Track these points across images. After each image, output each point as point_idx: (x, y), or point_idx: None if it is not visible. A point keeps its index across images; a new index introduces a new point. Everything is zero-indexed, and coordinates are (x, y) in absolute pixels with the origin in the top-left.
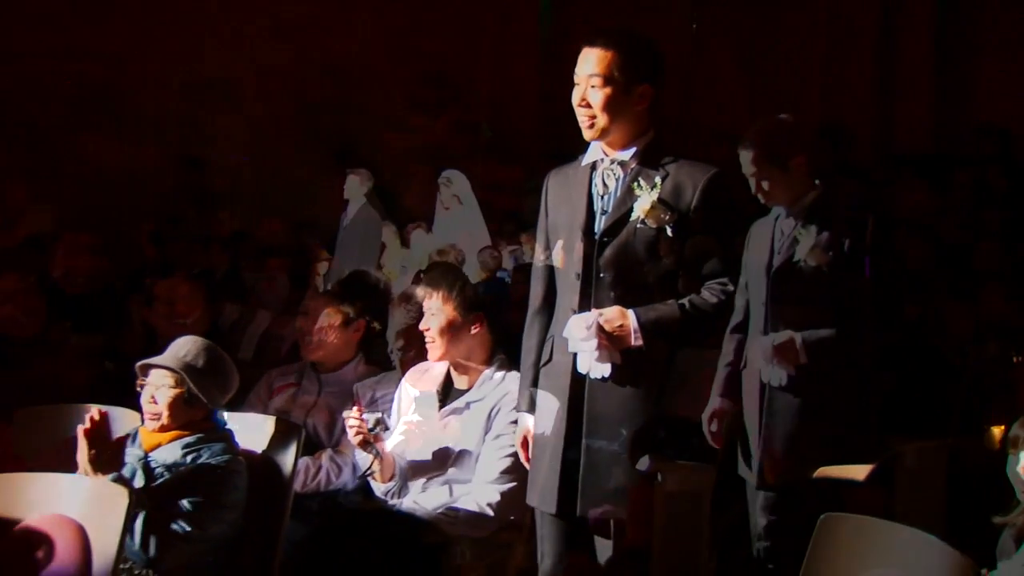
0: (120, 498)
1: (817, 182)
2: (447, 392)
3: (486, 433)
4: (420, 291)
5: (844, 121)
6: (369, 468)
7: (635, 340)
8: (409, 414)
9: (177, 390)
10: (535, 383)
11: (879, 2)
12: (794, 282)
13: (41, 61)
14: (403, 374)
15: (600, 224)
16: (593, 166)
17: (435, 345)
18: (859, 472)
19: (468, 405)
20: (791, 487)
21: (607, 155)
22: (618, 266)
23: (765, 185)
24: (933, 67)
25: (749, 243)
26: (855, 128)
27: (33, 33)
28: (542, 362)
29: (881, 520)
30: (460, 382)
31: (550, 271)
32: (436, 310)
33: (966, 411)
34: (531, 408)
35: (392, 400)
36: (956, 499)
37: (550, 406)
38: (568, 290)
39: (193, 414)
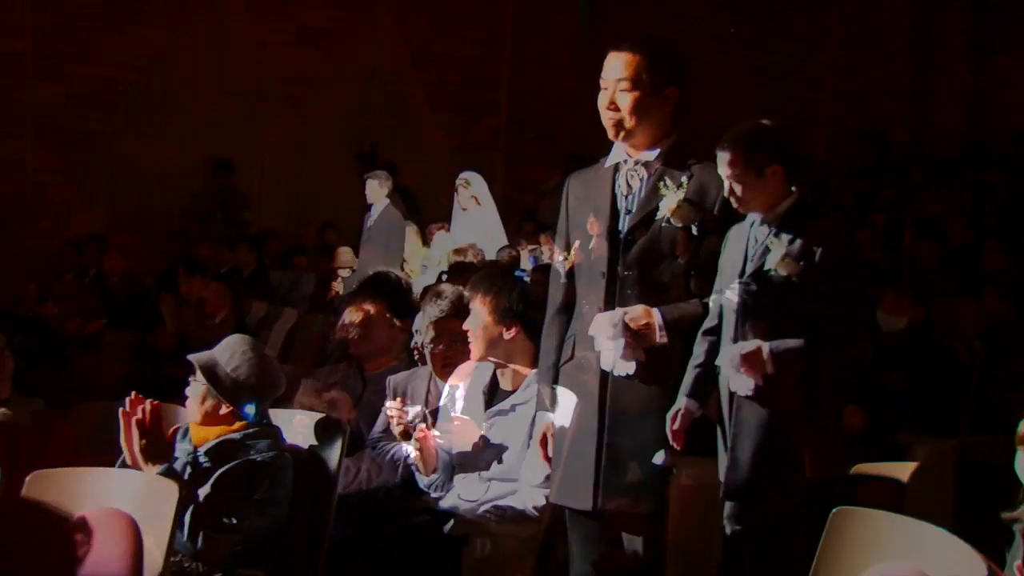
0: (171, 492)
1: (794, 189)
2: (493, 392)
3: (529, 437)
4: (467, 292)
5: (879, 124)
6: (409, 457)
7: (660, 338)
8: (456, 410)
9: (203, 386)
10: (555, 382)
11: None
12: (764, 291)
13: (81, 67)
14: (433, 368)
15: (624, 224)
16: (616, 167)
17: (474, 345)
18: (903, 471)
19: (513, 408)
20: (754, 498)
21: (630, 156)
22: (642, 264)
23: (738, 189)
24: (968, 71)
25: (725, 248)
26: (890, 130)
27: (74, 42)
28: (563, 361)
29: (892, 514)
30: (505, 383)
31: (570, 271)
32: (475, 312)
33: (975, 407)
34: (552, 407)
35: (424, 394)
36: (965, 494)
37: (573, 404)
38: (592, 289)
39: (225, 410)
